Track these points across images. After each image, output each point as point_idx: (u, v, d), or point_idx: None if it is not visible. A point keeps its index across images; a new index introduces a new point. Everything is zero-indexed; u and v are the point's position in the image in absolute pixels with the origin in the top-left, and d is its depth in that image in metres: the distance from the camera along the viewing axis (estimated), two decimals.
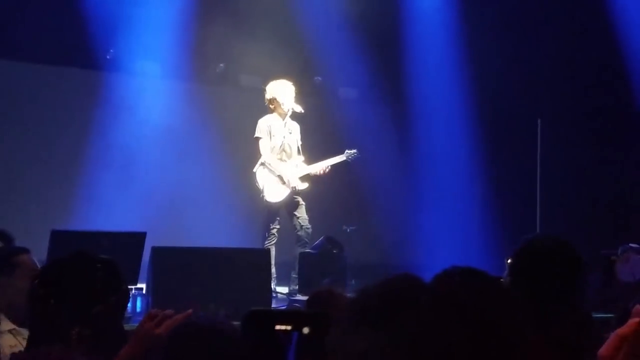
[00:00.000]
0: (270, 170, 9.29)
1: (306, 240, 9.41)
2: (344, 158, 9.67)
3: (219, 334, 2.41)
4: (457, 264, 1.41)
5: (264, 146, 9.32)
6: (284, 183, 9.29)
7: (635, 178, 12.38)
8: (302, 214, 9.42)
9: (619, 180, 12.46)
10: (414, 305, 1.27)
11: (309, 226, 9.43)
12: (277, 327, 1.23)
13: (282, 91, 9.37)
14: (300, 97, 9.60)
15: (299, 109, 9.38)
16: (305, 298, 5.21)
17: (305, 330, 1.22)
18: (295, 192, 9.38)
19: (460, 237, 12.29)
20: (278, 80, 9.48)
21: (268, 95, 9.43)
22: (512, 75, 12.38)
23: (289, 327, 1.23)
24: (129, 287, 7.24)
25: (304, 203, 9.46)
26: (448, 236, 12.14)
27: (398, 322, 1.25)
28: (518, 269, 3.65)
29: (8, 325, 4.59)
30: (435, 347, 1.22)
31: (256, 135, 9.35)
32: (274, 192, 9.29)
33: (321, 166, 9.50)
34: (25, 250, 4.92)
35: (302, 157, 9.50)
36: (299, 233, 9.40)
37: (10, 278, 4.63)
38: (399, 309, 1.27)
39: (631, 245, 9.33)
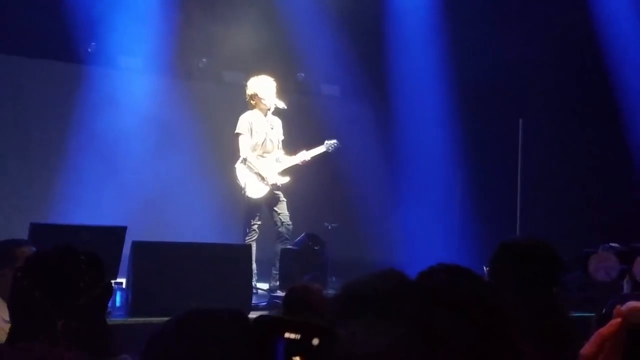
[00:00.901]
0: (250, 167, 9.27)
1: (287, 236, 9.40)
2: (324, 149, 9.65)
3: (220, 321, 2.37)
4: (441, 262, 1.40)
5: (243, 143, 9.28)
6: (263, 180, 9.28)
7: (617, 177, 12.44)
8: (283, 210, 9.40)
9: (601, 179, 12.52)
10: (403, 300, 1.26)
11: (290, 222, 9.41)
12: (287, 335, 1.21)
13: (263, 87, 9.33)
14: (283, 94, 9.58)
15: (281, 105, 9.35)
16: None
17: (315, 341, 1.20)
18: (275, 187, 9.36)
19: (441, 236, 12.31)
20: (259, 76, 9.43)
21: (249, 91, 9.38)
22: (494, 74, 12.41)
23: (298, 336, 1.21)
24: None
25: (285, 199, 9.44)
26: (430, 234, 12.16)
27: (388, 316, 1.25)
28: (497, 269, 3.65)
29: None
30: (425, 342, 1.22)
31: (237, 131, 9.30)
32: (254, 188, 9.27)
33: (301, 157, 9.49)
34: (26, 242, 4.93)
35: (282, 151, 9.48)
36: (279, 229, 9.38)
37: (12, 269, 4.66)
38: (388, 304, 1.27)
39: (611, 244, 9.36)
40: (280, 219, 9.36)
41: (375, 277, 1.32)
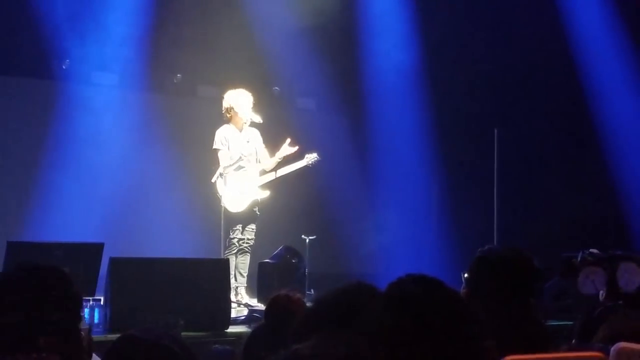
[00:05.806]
0: (229, 181, 9.26)
1: (247, 250, 9.43)
2: (305, 163, 9.65)
3: (161, 350, 2.40)
4: (410, 272, 1.42)
5: (222, 157, 9.29)
6: (242, 194, 9.28)
7: (591, 186, 12.50)
8: (254, 227, 9.46)
9: (576, 188, 12.58)
10: (367, 310, 1.28)
11: (254, 238, 9.45)
12: None
13: (239, 101, 9.34)
14: (259, 108, 9.57)
15: (257, 119, 9.36)
16: (264, 307, 5.22)
17: None
18: (256, 202, 9.38)
19: (419, 247, 12.33)
20: (236, 90, 9.43)
21: (225, 104, 9.38)
22: (469, 84, 12.48)
23: None
24: (87, 298, 7.21)
25: (259, 214, 9.47)
26: (407, 245, 12.18)
27: (353, 326, 1.27)
28: (474, 280, 3.64)
29: None
30: (390, 347, 1.24)
31: (214, 147, 9.32)
32: (233, 202, 9.27)
33: (284, 171, 9.51)
34: None
35: (261, 165, 9.48)
36: (243, 243, 9.40)
37: None
38: (353, 315, 1.29)
39: (591, 250, 9.35)
40: (247, 236, 9.42)
41: (342, 290, 1.34)
